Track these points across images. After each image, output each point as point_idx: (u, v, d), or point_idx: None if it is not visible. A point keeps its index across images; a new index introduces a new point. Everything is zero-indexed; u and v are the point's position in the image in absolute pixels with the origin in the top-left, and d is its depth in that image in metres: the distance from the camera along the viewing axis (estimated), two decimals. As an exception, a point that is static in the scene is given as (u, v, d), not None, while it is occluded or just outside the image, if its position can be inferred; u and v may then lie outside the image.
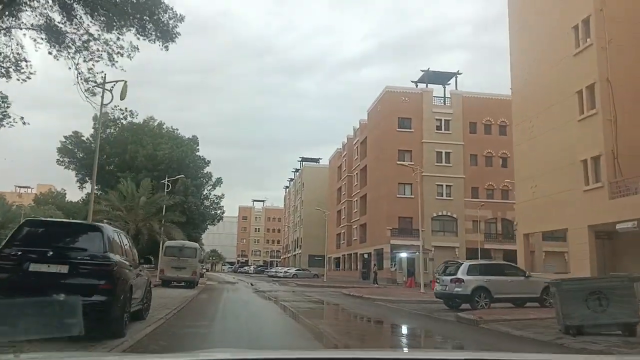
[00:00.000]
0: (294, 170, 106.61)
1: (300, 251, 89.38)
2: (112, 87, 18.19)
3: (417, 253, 44.28)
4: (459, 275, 18.34)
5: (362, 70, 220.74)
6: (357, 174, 62.92)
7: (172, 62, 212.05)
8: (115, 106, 17.12)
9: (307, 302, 22.92)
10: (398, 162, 50.31)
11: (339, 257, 71.03)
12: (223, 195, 51.30)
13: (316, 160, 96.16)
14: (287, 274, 65.81)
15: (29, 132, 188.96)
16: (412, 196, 50.00)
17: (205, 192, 50.08)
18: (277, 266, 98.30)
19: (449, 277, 18.62)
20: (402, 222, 49.99)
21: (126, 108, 17.00)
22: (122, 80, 18.17)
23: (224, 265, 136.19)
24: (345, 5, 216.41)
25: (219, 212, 51.47)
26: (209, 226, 62.65)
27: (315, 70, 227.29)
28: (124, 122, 55.31)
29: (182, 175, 39.06)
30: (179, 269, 29.21)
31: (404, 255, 44.14)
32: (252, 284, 42.55)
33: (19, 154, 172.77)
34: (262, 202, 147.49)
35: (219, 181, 50.31)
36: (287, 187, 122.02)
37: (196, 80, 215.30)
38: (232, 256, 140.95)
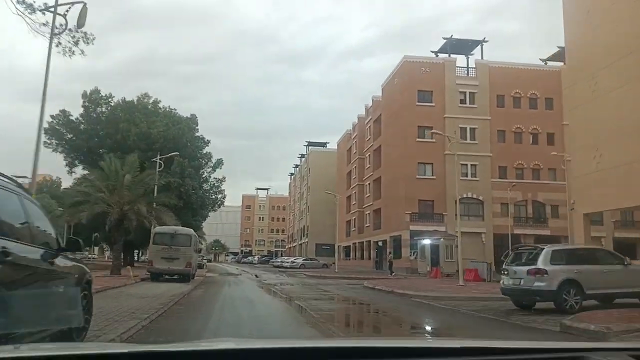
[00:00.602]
0: (300, 155, 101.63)
1: (306, 240, 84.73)
2: (67, 11, 13.31)
3: (442, 239, 39.64)
4: (540, 264, 13.51)
5: (365, 59, 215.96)
6: (369, 155, 57.95)
7: (174, 53, 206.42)
8: (61, 25, 12.22)
9: (328, 301, 18.14)
10: (419, 139, 45.49)
11: (349, 246, 66.29)
12: (224, 178, 46.30)
13: (323, 145, 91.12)
14: (294, 264, 61.22)
15: (25, 123, 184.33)
16: (434, 177, 45.29)
17: (205, 174, 45.08)
18: (282, 256, 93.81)
19: (525, 268, 13.79)
20: (423, 205, 45.15)
21: (76, 27, 12.03)
22: (80, 2, 13.29)
23: (227, 255, 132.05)
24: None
25: (219, 196, 46.46)
26: (210, 214, 57.96)
27: (318, 60, 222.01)
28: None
29: (177, 153, 34.07)
30: (171, 260, 24.51)
31: (427, 242, 39.33)
32: (256, 276, 38.08)
33: (15, 144, 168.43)
34: (266, 190, 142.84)
35: (219, 162, 45.24)
36: (292, 174, 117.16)
37: (198, 70, 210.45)
38: (236, 246, 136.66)
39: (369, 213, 57.59)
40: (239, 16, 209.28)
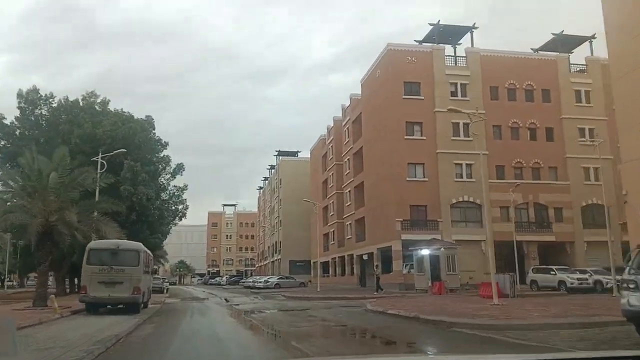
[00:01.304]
0: (269, 167, 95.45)
1: (279, 257, 78.41)
2: None
3: (442, 249, 34.38)
4: None
5: (330, 76, 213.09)
6: (348, 160, 52.54)
7: (136, 71, 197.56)
8: None
9: (340, 340, 12.35)
10: (407, 137, 40.39)
11: (328, 261, 60.36)
12: (186, 186, 39.51)
13: (294, 154, 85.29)
14: (268, 283, 55.00)
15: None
16: (426, 179, 40.20)
17: (162, 181, 38.47)
18: (252, 275, 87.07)
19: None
20: (415, 211, 39.83)
21: None
22: None
23: (193, 277, 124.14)
24: (309, 10, 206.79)
25: (181, 207, 39.73)
26: (172, 230, 51.18)
27: (283, 77, 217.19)
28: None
29: (123, 150, 27.57)
30: (112, 285, 18.30)
31: (425, 252, 33.90)
32: (226, 300, 32.06)
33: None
34: (233, 207, 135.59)
35: (179, 168, 38.56)
36: (260, 187, 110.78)
37: (161, 89, 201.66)
38: (202, 267, 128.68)
39: (350, 224, 51.98)
40: (202, 34, 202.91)
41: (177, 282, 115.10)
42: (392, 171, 40.17)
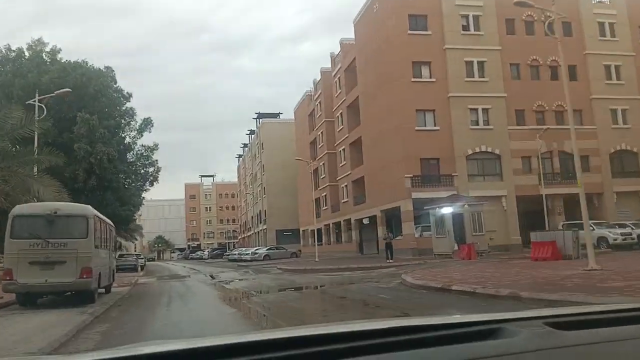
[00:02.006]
0: (249, 132, 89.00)
1: (265, 227, 72.96)
2: None
3: (466, 206, 29.27)
4: None
5: (302, 44, 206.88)
6: (341, 114, 46.73)
7: (102, 46, 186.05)
8: None
9: None
10: (414, 79, 34.72)
11: (320, 229, 54.93)
12: (156, 145, 32.91)
13: (275, 116, 78.97)
14: (256, 255, 49.68)
15: None
16: (437, 127, 34.78)
17: (128, 140, 31.91)
18: (235, 247, 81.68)
19: None
20: (426, 165, 34.53)
21: None
22: None
23: (173, 252, 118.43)
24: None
25: (151, 170, 33.31)
26: (144, 201, 45.10)
27: (254, 47, 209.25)
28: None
29: (68, 90, 21.03)
30: (49, 267, 12.61)
31: (447, 210, 28.68)
32: (212, 277, 26.66)
33: None
34: (211, 177, 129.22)
35: (147, 123, 31.91)
36: (240, 155, 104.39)
37: (128, 63, 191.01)
38: (182, 242, 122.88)
39: (345, 185, 46.55)
40: (167, 5, 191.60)
41: (156, 258, 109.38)
42: (397, 121, 34.62)
